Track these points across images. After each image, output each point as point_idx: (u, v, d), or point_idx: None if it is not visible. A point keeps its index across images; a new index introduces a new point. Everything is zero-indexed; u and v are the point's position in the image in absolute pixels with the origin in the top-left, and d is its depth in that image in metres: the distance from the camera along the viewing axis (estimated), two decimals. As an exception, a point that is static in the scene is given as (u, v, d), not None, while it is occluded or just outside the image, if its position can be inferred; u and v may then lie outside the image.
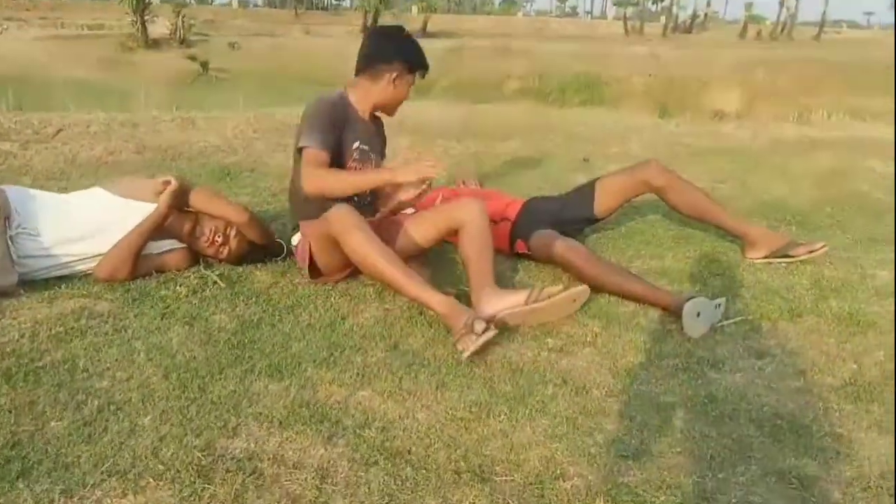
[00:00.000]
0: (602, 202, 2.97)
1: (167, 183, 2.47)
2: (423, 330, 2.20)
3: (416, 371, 1.93)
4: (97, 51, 17.83)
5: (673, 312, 2.28)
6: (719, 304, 2.29)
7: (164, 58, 17.79)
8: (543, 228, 2.80)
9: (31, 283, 2.35)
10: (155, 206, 2.51)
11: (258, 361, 1.96)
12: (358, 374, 1.91)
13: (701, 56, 18.15)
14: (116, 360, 1.93)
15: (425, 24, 35.00)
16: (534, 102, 9.10)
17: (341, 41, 25.01)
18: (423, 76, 2.57)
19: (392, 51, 2.51)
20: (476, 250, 2.38)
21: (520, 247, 2.83)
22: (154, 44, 18.83)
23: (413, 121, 5.73)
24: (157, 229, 2.48)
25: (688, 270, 2.79)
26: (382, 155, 2.72)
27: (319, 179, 2.36)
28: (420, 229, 2.54)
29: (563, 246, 2.62)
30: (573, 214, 2.98)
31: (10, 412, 1.66)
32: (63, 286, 2.37)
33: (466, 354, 1.98)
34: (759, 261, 2.84)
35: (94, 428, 1.63)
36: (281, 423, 1.67)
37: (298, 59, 18.07)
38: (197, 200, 2.55)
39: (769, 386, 1.95)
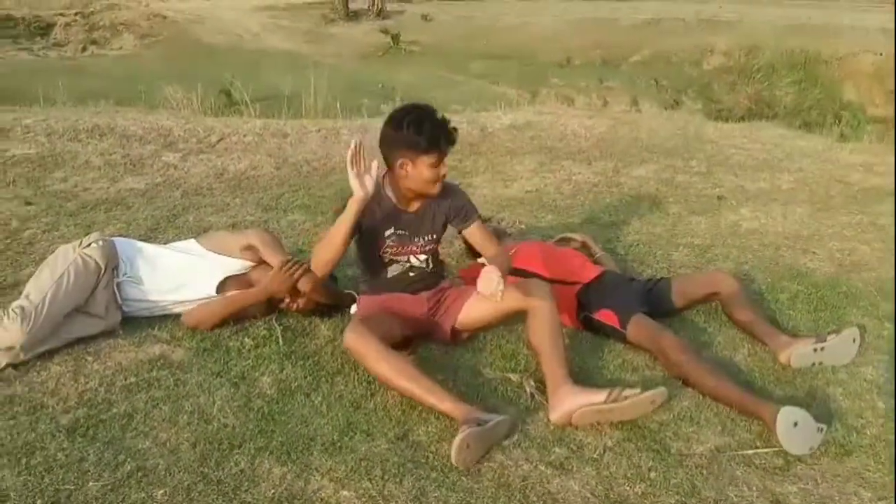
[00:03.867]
0: (678, 301, 2.93)
1: (292, 265, 2.69)
2: (439, 419, 2.28)
3: (405, 473, 2.04)
4: (303, 23, 19.22)
5: (767, 422, 2.22)
6: (821, 429, 2.17)
7: (360, 30, 18.76)
8: (635, 308, 2.78)
9: (133, 322, 2.75)
10: (236, 260, 2.83)
11: (275, 438, 2.17)
12: (353, 467, 2.06)
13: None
14: (164, 419, 2.24)
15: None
16: (688, 114, 8.39)
17: (536, 6, 24.78)
18: (443, 150, 2.50)
19: (391, 140, 2.51)
20: (548, 341, 2.42)
21: (605, 316, 2.79)
22: (353, 15, 19.87)
23: (549, 136, 5.69)
24: (256, 306, 2.78)
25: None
26: (436, 233, 2.72)
27: (318, 243, 2.68)
28: (483, 309, 2.60)
29: (672, 340, 2.58)
30: (657, 305, 2.88)
31: (61, 468, 2.01)
32: (156, 328, 2.74)
33: (453, 460, 2.06)
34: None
35: (117, 495, 1.93)
36: (259, 518, 1.87)
37: (486, 33, 18.24)
38: (303, 284, 2.74)
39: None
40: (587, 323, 2.86)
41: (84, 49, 16.20)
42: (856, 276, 3.40)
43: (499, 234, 3.28)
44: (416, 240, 2.68)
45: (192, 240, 2.93)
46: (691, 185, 4.75)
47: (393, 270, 2.70)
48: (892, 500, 1.94)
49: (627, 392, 2.25)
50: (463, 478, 2.03)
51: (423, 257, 2.72)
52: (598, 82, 15.42)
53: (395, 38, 16.87)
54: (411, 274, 2.71)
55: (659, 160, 5.22)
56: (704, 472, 2.07)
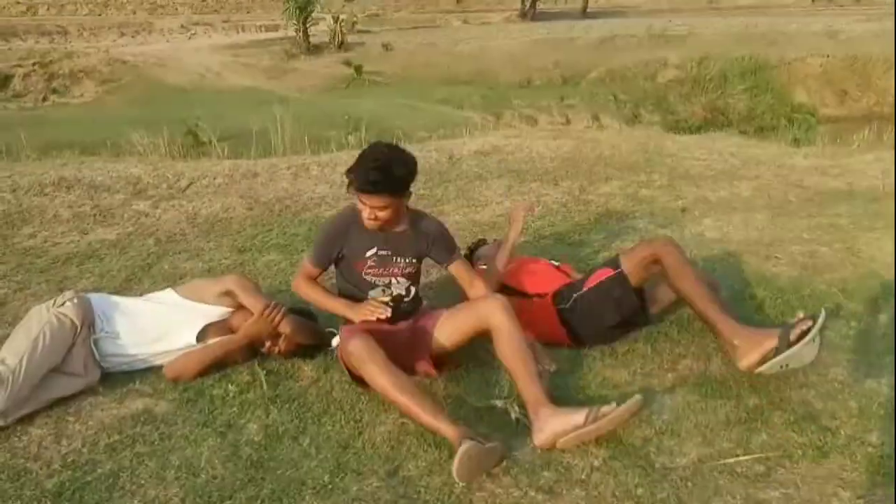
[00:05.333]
0: (627, 267, 2.89)
1: (272, 309, 2.74)
2: (429, 452, 2.31)
3: (397, 510, 2.06)
4: (265, 59, 19.30)
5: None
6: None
7: (322, 63, 18.90)
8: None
9: (113, 377, 2.74)
10: (215, 307, 2.85)
11: (266, 485, 2.18)
12: (344, 509, 2.07)
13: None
14: (151, 476, 2.24)
15: (585, 5, 34.18)
16: (647, 128, 8.61)
17: (493, 30, 25.18)
18: (362, 193, 2.62)
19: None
20: (517, 360, 2.46)
21: (597, 277, 2.92)
22: (315, 49, 20.02)
23: (515, 159, 5.79)
24: (237, 352, 2.80)
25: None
26: (417, 257, 2.81)
27: (299, 289, 2.88)
28: (446, 333, 2.68)
29: (665, 245, 2.85)
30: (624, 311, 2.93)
31: (49, 534, 2.00)
32: (137, 381, 2.73)
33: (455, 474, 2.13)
34: (762, 369, 2.51)
35: (108, 556, 1.92)
36: (254, 568, 1.87)
37: (447, 59, 18.49)
38: (283, 327, 2.79)
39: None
40: (573, 319, 2.90)
41: (45, 99, 16.11)
42: (818, 277, 3.50)
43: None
44: (397, 260, 2.74)
45: (169, 289, 2.94)
46: (655, 199, 4.86)
47: (374, 294, 2.76)
48: (871, 499, 2.00)
49: (605, 409, 2.27)
50: (454, 510, 2.06)
51: (403, 282, 2.78)
52: (559, 101, 15.71)
53: (358, 69, 17.04)
54: (390, 304, 2.74)
55: (623, 176, 5.33)
56: (689, 484, 2.12)
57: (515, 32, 23.69)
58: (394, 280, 2.77)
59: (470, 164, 5.76)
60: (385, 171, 2.58)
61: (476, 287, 2.84)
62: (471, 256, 3.50)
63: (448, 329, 2.67)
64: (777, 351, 2.50)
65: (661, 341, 2.96)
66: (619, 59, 18.80)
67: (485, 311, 2.58)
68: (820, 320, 2.49)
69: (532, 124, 13.84)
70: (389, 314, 2.62)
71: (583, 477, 2.17)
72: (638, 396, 2.35)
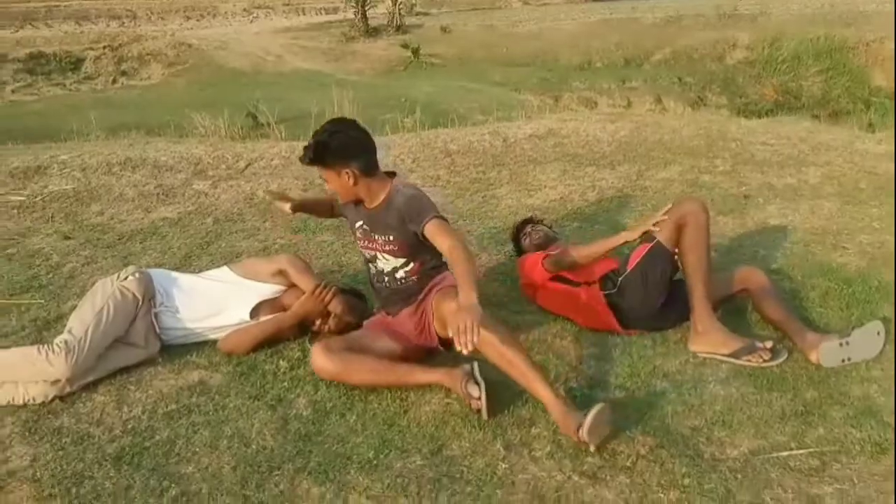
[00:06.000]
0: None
1: (323, 289, 2.83)
2: (471, 433, 2.32)
3: (441, 489, 2.08)
4: (324, 42, 19.48)
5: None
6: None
7: (380, 46, 18.96)
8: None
9: (171, 349, 2.84)
10: (268, 285, 2.92)
11: (313, 458, 2.23)
12: (390, 484, 2.10)
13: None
14: (205, 444, 2.31)
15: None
16: (712, 111, 8.34)
17: (553, 11, 24.77)
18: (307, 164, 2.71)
19: None
20: (506, 364, 2.37)
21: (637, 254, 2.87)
22: (373, 32, 20.09)
23: (571, 143, 5.70)
24: (288, 329, 2.87)
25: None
26: (393, 233, 2.68)
27: None
28: (440, 319, 2.58)
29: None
30: (686, 302, 2.87)
31: (109, 496, 2.09)
32: (193, 354, 2.82)
33: (484, 413, 2.31)
34: (702, 354, 2.71)
35: (163, 520, 2.00)
36: (300, 538, 1.92)
37: (506, 41, 18.29)
38: (334, 306, 2.87)
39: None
40: (622, 304, 2.86)
41: (114, 81, 16.65)
42: (887, 269, 3.35)
43: (549, 239, 3.32)
44: (376, 237, 2.72)
45: (225, 267, 3.02)
46: (717, 185, 4.72)
47: (370, 269, 2.82)
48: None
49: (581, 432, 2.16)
50: (497, 491, 2.07)
51: (389, 261, 2.72)
52: (620, 83, 15.39)
53: (416, 51, 17.02)
54: (385, 279, 2.75)
55: (683, 161, 5.19)
56: (739, 476, 2.07)
57: (576, 13, 23.24)
58: (379, 255, 2.75)
59: (524, 148, 5.70)
60: (315, 142, 2.63)
61: (444, 243, 2.52)
62: (519, 235, 3.47)
63: (437, 317, 2.60)
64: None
65: (717, 328, 2.88)
66: (684, 40, 18.23)
67: (446, 318, 2.41)
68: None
69: (591, 107, 13.61)
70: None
71: (628, 464, 2.14)
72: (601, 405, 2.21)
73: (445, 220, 2.61)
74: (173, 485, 2.13)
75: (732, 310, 2.98)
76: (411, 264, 2.72)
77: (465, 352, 2.15)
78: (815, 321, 2.95)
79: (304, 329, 2.95)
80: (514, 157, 5.48)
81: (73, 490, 2.10)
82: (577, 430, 2.16)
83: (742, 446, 2.21)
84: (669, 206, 2.84)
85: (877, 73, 17.60)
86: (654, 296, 2.82)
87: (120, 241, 4.03)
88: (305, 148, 2.69)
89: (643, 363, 2.69)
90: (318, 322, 2.91)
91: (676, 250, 2.81)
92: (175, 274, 2.97)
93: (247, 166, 5.27)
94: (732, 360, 2.63)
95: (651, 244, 2.81)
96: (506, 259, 3.67)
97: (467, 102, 12.02)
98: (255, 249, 3.92)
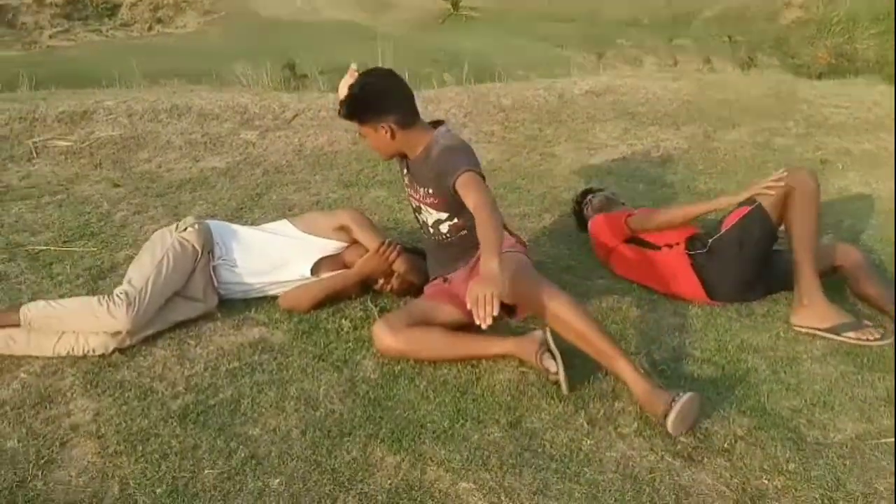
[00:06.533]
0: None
1: (388, 247, 2.70)
2: (551, 405, 2.19)
3: (524, 464, 1.95)
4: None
5: None
6: None
7: (420, -4, 18.47)
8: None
9: (230, 304, 2.73)
10: (330, 241, 2.78)
11: (384, 425, 2.12)
12: (469, 456, 1.98)
13: None
14: (271, 405, 2.21)
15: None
16: (782, 69, 7.97)
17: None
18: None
19: None
20: (580, 339, 2.21)
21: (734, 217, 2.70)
22: (414, -19, 19.56)
23: (630, 101, 5.45)
24: (350, 287, 2.75)
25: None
26: (432, 188, 2.53)
27: None
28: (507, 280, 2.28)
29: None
30: (777, 276, 2.72)
31: (176, 455, 2.00)
32: (252, 310, 2.71)
33: (564, 388, 2.17)
34: (803, 328, 2.54)
35: (233, 483, 1.90)
36: (379, 511, 1.81)
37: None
38: (398, 265, 2.73)
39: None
40: (709, 268, 2.70)
41: (150, 28, 16.45)
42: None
43: (611, 203, 3.14)
44: (417, 187, 2.58)
45: (285, 220, 2.89)
46: (791, 149, 4.47)
47: (418, 220, 2.70)
48: None
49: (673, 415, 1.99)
50: (585, 468, 1.94)
51: (432, 214, 2.57)
52: (667, 41, 14.82)
53: (455, 4, 16.51)
54: (431, 231, 2.62)
55: (752, 122, 4.93)
56: (847, 462, 1.92)
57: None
58: (422, 206, 2.60)
59: (582, 105, 5.45)
60: (349, 97, 2.48)
61: (474, 206, 2.28)
62: (580, 209, 3.30)
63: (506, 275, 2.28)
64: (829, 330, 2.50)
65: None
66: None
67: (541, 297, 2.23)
68: None
69: (637, 65, 13.15)
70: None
71: (725, 445, 2.00)
72: (692, 394, 2.03)
73: (481, 174, 2.39)
74: (241, 446, 2.03)
75: (827, 286, 2.78)
76: (455, 219, 2.56)
77: (483, 326, 1.99)
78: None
79: (365, 287, 2.82)
80: (570, 114, 5.25)
81: (140, 448, 2.02)
82: (664, 416, 2.00)
83: (847, 430, 2.05)
84: (783, 171, 2.63)
85: (937, 37, 16.80)
86: (747, 262, 2.64)
87: (169, 190, 3.92)
88: (340, 102, 2.54)
89: (730, 336, 2.53)
90: (380, 281, 2.78)
91: (778, 220, 2.61)
92: (234, 226, 2.85)
93: (294, 117, 5.11)
94: (831, 335, 2.45)
95: (751, 207, 2.62)
96: (570, 220, 3.49)
97: (507, 57, 11.65)
98: (307, 203, 3.79)
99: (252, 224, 3.10)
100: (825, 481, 1.86)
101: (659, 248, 2.82)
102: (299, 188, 4.02)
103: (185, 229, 2.64)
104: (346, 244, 2.82)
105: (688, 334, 2.53)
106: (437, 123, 2.61)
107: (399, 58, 8.18)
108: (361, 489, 1.87)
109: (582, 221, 3.27)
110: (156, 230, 2.79)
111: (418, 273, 2.78)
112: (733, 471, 1.91)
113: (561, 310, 2.19)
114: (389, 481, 1.90)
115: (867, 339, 2.41)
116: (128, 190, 3.89)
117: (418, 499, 1.84)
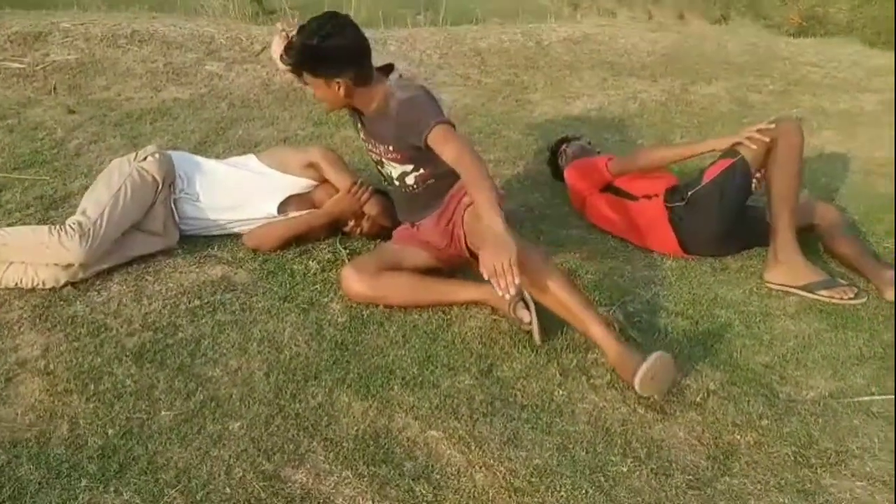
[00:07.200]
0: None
1: (359, 188, 2.59)
2: (523, 354, 2.14)
3: (494, 413, 1.90)
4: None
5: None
6: None
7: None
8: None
9: (191, 240, 2.61)
10: (299, 178, 2.66)
11: (352, 369, 2.04)
12: (438, 404, 1.92)
13: None
14: (233, 346, 2.12)
15: None
16: (754, 28, 7.91)
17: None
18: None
19: None
20: (556, 304, 2.09)
21: (715, 169, 2.62)
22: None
23: (609, 50, 5.33)
24: (319, 228, 2.64)
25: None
26: (391, 144, 2.38)
27: None
28: (473, 231, 2.24)
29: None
30: (752, 233, 2.67)
31: (131, 395, 1.90)
32: (215, 247, 2.59)
33: (537, 338, 2.12)
34: (775, 286, 2.50)
35: (191, 426, 1.82)
36: (345, 458, 1.74)
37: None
38: (369, 208, 2.63)
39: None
40: (687, 220, 2.63)
41: (110, -48, 15.66)
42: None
43: (586, 152, 3.06)
44: (375, 144, 2.44)
45: (252, 155, 2.75)
46: (767, 105, 4.42)
47: (380, 173, 2.56)
48: None
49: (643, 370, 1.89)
50: (556, 419, 1.90)
51: (396, 167, 2.42)
52: (644, -6, 14.62)
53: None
54: (396, 184, 2.48)
55: (730, 77, 4.86)
56: (820, 420, 1.91)
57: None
58: (384, 160, 2.46)
59: (559, 52, 5.32)
60: (302, 45, 2.27)
61: (455, 158, 2.14)
62: (555, 158, 3.21)
63: (472, 233, 2.24)
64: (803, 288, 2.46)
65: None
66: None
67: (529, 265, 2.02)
68: None
69: (610, 16, 12.95)
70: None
71: (698, 399, 1.97)
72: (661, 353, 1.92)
73: (451, 124, 2.22)
74: (200, 388, 1.94)
75: (801, 243, 2.76)
76: (420, 170, 2.41)
77: (507, 297, 1.90)
78: (882, 257, 2.74)
79: (334, 229, 2.71)
80: (548, 61, 5.12)
81: (91, 386, 1.91)
82: (633, 376, 1.91)
83: (819, 388, 2.04)
84: (770, 122, 2.57)
85: (907, 5, 16.86)
86: (727, 216, 2.59)
87: (128, 119, 3.72)
88: (286, 48, 2.33)
89: (704, 290, 2.50)
90: (350, 223, 2.68)
91: (758, 173, 2.56)
92: (198, 158, 2.70)
93: (262, 49, 4.87)
94: (805, 293, 2.43)
95: (734, 159, 2.56)
96: (545, 168, 3.41)
97: (486, 3, 11.36)
98: (274, 139, 3.63)
99: (217, 158, 2.95)
100: (797, 438, 1.85)
101: (637, 198, 2.76)
102: (266, 123, 3.86)
103: (146, 158, 2.49)
104: (315, 183, 2.70)
105: (662, 287, 2.50)
106: (386, 69, 2.42)
107: (370, -4, 7.90)
108: (326, 435, 1.81)
109: (557, 170, 3.19)
110: (113, 160, 2.62)
111: (389, 216, 2.68)
112: (705, 425, 1.89)
113: (537, 273, 2.06)
114: (356, 428, 1.83)
115: (840, 298, 2.39)
116: (84, 117, 3.67)
117: (385, 446, 1.78)
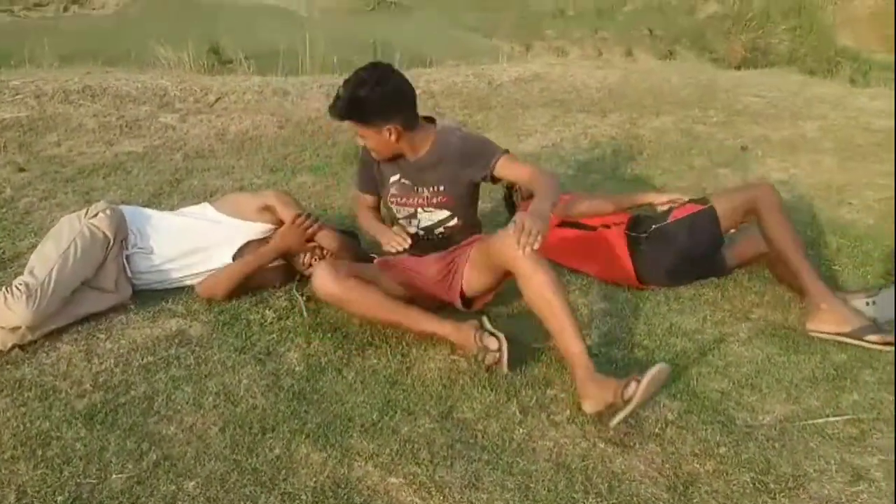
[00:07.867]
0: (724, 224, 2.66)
1: (304, 218, 2.58)
2: (483, 394, 2.13)
3: (455, 457, 1.88)
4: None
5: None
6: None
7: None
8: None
9: (144, 295, 2.57)
10: (255, 224, 2.65)
11: (311, 419, 2.01)
12: (398, 450, 1.90)
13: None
14: (188, 402, 2.07)
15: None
16: (700, 62, 8.20)
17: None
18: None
19: None
20: (547, 309, 2.09)
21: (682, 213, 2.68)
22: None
23: (559, 88, 5.47)
24: (272, 271, 2.63)
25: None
26: (449, 181, 2.50)
27: (358, 218, 2.78)
28: (477, 271, 2.35)
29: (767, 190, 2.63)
30: (702, 236, 2.70)
31: (81, 459, 1.84)
32: (169, 301, 2.56)
33: (505, 367, 2.15)
34: (824, 335, 2.41)
35: (144, 488, 1.76)
36: (303, 510, 1.71)
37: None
38: (322, 239, 2.63)
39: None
40: (646, 252, 2.67)
41: (66, 9, 15.58)
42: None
43: None
44: (420, 190, 2.50)
45: (206, 203, 2.74)
46: (712, 136, 4.56)
47: (411, 225, 2.57)
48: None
49: (630, 390, 1.90)
50: (518, 459, 1.88)
51: (434, 213, 2.51)
52: (592, 33, 15.03)
53: (385, -10, 16.33)
54: (422, 233, 2.54)
55: (675, 110, 5.02)
56: (776, 445, 1.93)
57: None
58: (420, 210, 2.53)
59: (510, 91, 5.45)
60: (351, 97, 2.34)
61: (526, 173, 2.42)
62: (510, 195, 3.26)
63: (475, 266, 2.35)
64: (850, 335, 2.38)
65: (731, 288, 2.75)
66: (654, -9, 17.89)
67: (504, 250, 2.12)
68: None
69: (562, 55, 13.30)
70: (407, 246, 2.44)
71: (657, 430, 1.98)
72: (662, 365, 1.95)
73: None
74: (154, 447, 1.90)
75: (748, 270, 2.84)
76: (455, 219, 2.54)
77: (521, 252, 1.99)
78: (831, 281, 2.81)
79: (291, 275, 2.70)
80: (500, 101, 5.23)
81: (39, 452, 1.85)
82: (624, 388, 1.90)
83: (775, 412, 2.07)
84: (743, 186, 2.75)
85: (844, 33, 17.60)
86: (686, 257, 2.66)
87: (80, 175, 3.68)
88: (336, 100, 2.39)
89: (659, 319, 2.53)
90: (304, 258, 2.65)
91: (732, 231, 2.68)
92: (150, 211, 2.68)
93: (216, 100, 4.90)
94: (854, 340, 2.36)
95: (705, 206, 2.62)
96: (500, 206, 3.44)
97: (437, 46, 11.57)
98: (230, 188, 3.63)
99: (172, 210, 2.93)
100: (755, 464, 1.86)
101: (595, 228, 2.80)
102: (222, 173, 3.85)
103: (96, 215, 2.47)
104: (273, 227, 2.68)
105: (617, 319, 2.53)
106: (428, 120, 2.54)
107: (327, 43, 8.00)
108: (284, 489, 1.77)
109: (512, 208, 3.23)
110: (63, 217, 2.58)
111: (348, 253, 2.68)
112: (665, 456, 1.89)
113: (544, 280, 2.08)
114: (314, 479, 1.80)
115: (886, 343, 2.33)
116: (34, 175, 3.64)
117: (345, 496, 1.75)
